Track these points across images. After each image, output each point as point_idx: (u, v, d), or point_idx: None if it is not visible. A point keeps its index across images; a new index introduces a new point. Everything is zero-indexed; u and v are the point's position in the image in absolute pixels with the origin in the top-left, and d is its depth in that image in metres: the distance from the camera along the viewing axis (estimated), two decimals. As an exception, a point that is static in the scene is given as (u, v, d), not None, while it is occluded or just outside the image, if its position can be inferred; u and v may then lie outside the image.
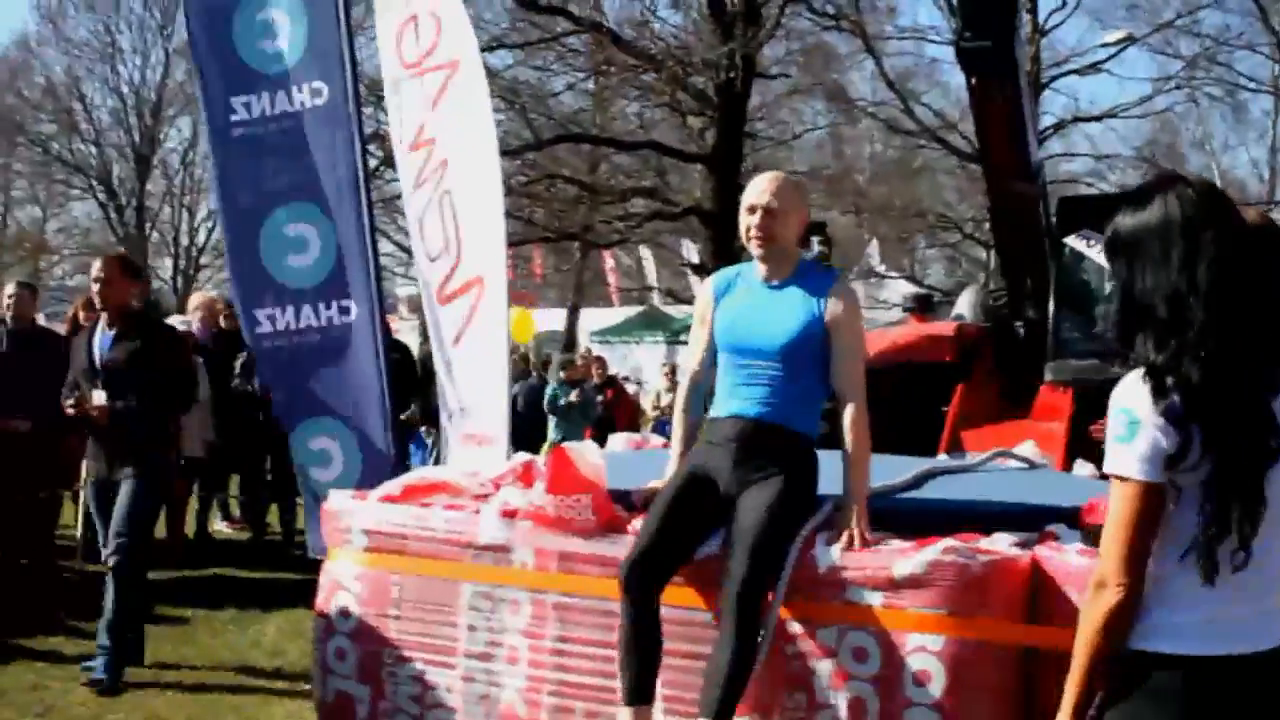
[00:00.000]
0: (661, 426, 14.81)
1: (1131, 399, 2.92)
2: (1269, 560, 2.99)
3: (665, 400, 15.54)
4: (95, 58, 44.18)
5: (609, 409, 15.97)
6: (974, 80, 10.09)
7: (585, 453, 4.97)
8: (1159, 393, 2.88)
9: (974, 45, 9.69)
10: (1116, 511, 2.93)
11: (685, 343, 26.71)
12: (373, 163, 19.00)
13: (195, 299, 13.57)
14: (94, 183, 44.52)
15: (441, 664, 5.01)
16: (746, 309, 4.84)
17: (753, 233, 4.82)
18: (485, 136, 7.42)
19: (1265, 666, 2.98)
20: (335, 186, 7.28)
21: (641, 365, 26.80)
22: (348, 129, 7.31)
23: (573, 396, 15.04)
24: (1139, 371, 2.93)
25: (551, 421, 15.40)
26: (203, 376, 11.00)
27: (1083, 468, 6.54)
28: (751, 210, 4.82)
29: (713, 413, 4.87)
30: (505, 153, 11.82)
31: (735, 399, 4.77)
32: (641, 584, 4.57)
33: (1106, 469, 2.97)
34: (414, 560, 5.08)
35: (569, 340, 31.65)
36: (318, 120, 7.28)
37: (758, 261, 4.92)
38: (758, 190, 4.85)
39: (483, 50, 8.94)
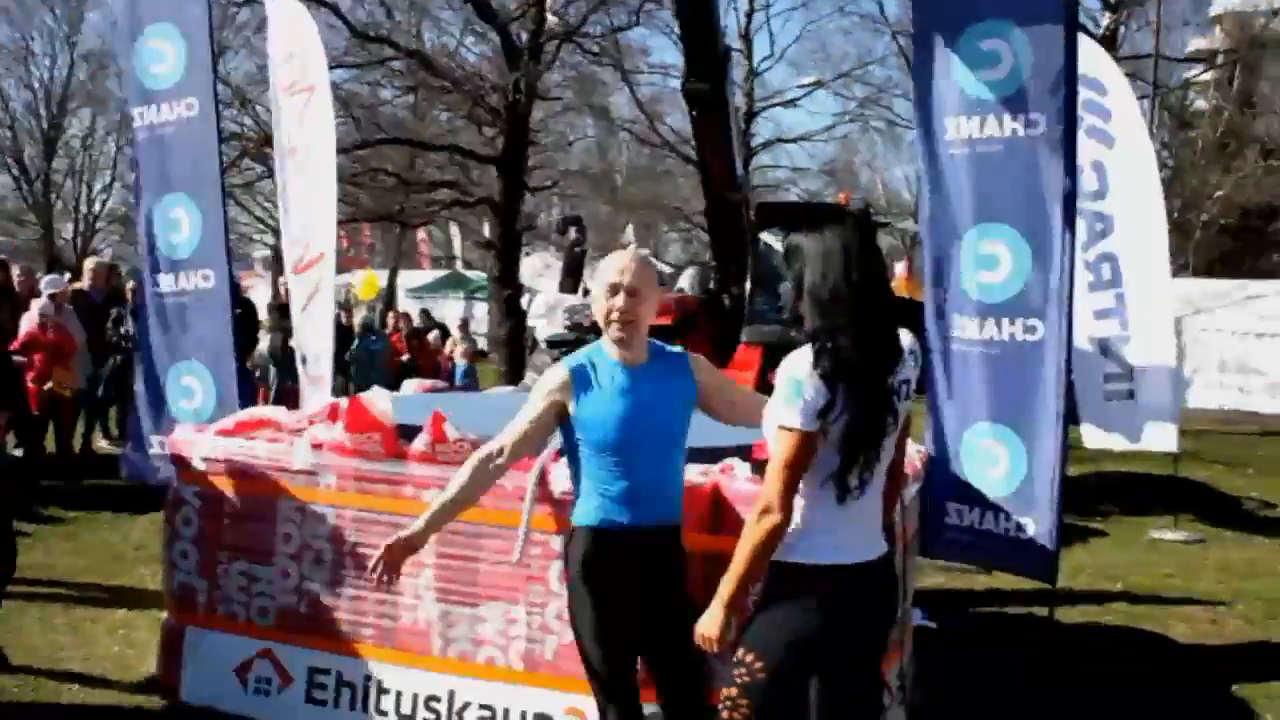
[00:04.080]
0: (454, 370, 14.64)
1: (796, 368, 3.04)
2: (873, 494, 3.17)
3: (459, 347, 15.25)
4: (11, 60, 42.59)
5: (415, 356, 15.70)
6: (695, 113, 10.22)
7: (375, 399, 4.91)
8: (818, 357, 3.01)
9: (695, 87, 9.82)
10: (780, 453, 3.02)
11: (480, 299, 26.50)
12: (233, 155, 18.51)
13: (89, 263, 13.22)
14: (9, 161, 42.93)
15: (264, 563, 4.88)
16: (628, 398, 3.61)
17: (614, 315, 3.61)
18: (328, 143, 7.55)
19: (874, 570, 3.15)
20: (201, 178, 7.05)
21: (446, 317, 26.40)
22: (212, 133, 7.10)
23: (371, 346, 14.42)
24: (803, 349, 3.06)
25: (351, 370, 13.87)
26: (77, 322, 10.74)
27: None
28: (614, 290, 3.61)
29: (602, 518, 3.60)
30: (339, 151, 11.66)
31: (643, 502, 3.60)
32: None
33: (775, 422, 3.05)
34: (242, 481, 4.94)
35: (390, 295, 31.23)
36: (189, 127, 7.06)
37: (614, 345, 3.67)
38: (618, 269, 3.63)
39: (326, 69, 8.82)
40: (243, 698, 4.89)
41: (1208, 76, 30.37)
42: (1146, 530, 9.78)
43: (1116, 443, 9.43)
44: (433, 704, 4.60)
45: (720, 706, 3.13)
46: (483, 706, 4.55)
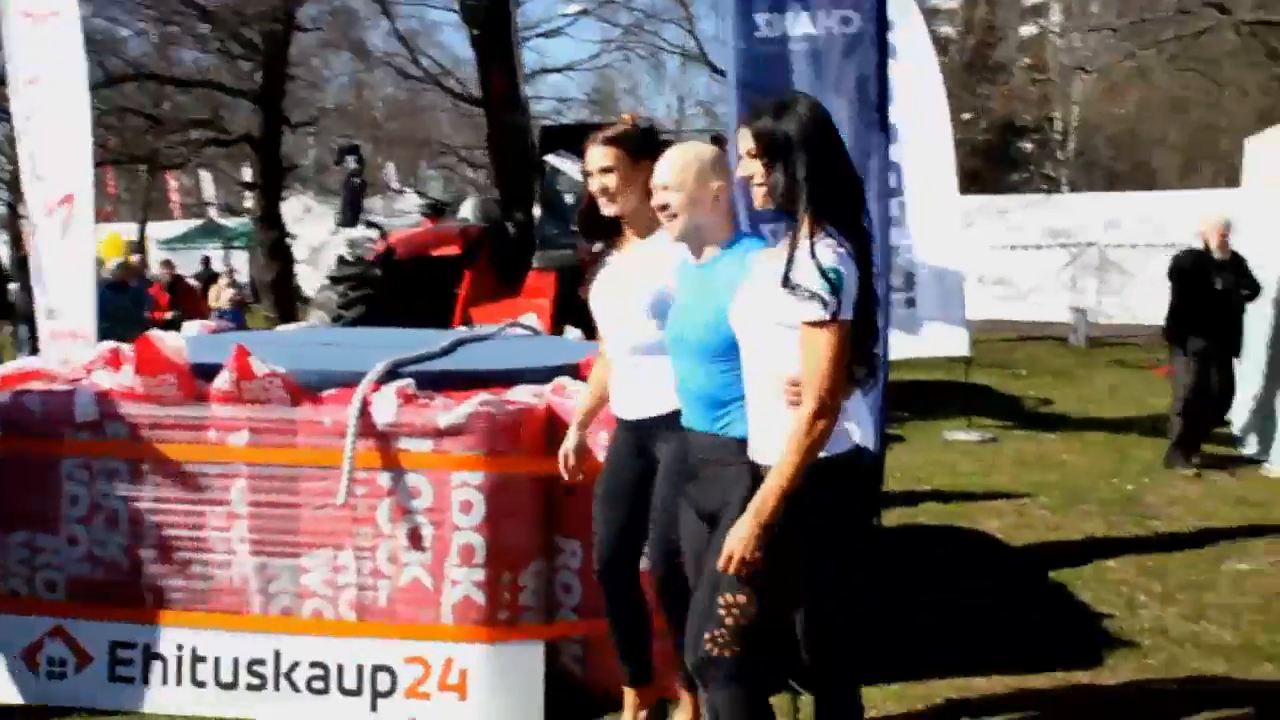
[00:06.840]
0: (220, 315, 13.86)
1: (832, 259, 2.84)
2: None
3: (225, 295, 14.38)
4: None
5: (177, 305, 14.71)
6: (476, 31, 9.85)
7: (166, 339, 4.41)
8: (846, 241, 2.88)
9: (476, 1, 9.46)
10: (830, 351, 2.83)
11: (238, 247, 25.21)
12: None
13: None
14: None
15: (48, 530, 4.33)
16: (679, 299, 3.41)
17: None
18: (78, 74, 6.69)
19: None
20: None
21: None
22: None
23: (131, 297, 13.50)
24: (827, 239, 2.86)
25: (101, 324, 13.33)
26: None
27: (572, 332, 6.48)
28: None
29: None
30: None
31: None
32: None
33: (812, 317, 2.83)
34: (15, 441, 4.35)
35: (140, 248, 29.46)
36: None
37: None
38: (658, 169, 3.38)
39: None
40: (35, 684, 4.36)
41: (953, 4, 31.52)
42: (940, 432, 10.02)
43: (908, 349, 9.59)
44: (257, 667, 4.20)
45: (723, 611, 2.97)
46: (314, 664, 4.18)
